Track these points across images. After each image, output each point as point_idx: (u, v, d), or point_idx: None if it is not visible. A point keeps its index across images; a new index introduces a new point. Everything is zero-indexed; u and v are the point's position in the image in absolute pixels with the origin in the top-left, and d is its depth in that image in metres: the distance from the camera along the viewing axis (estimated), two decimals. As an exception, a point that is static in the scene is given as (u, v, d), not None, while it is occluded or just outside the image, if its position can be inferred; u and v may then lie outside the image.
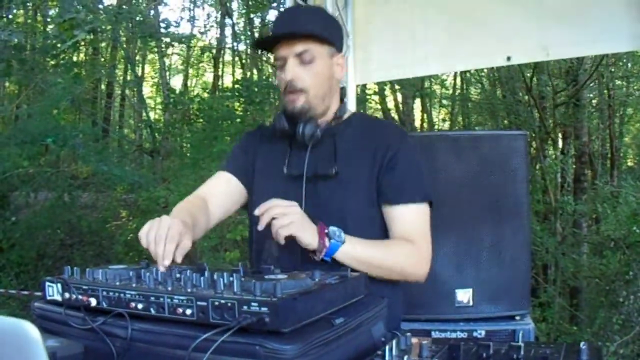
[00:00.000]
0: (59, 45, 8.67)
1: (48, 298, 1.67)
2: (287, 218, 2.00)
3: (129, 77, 17.68)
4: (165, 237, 1.83)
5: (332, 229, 2.08)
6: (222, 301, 1.38)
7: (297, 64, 2.29)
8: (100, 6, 9.55)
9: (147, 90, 18.78)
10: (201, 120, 12.00)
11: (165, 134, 13.91)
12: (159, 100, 18.19)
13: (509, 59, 4.17)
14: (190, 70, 19.83)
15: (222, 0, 15.13)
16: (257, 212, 2.00)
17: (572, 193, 10.68)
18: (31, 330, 0.87)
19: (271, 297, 1.36)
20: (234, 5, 15.81)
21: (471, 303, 3.55)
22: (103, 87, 17.69)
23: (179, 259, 1.83)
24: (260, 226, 1.99)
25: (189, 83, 19.88)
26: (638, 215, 8.02)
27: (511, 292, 3.57)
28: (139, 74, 17.03)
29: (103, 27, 9.24)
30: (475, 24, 4.21)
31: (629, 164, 16.21)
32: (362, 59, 4.60)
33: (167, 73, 17.18)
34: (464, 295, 3.56)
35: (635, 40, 3.80)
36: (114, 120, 18.80)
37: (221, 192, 2.51)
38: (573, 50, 4.18)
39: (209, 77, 19.55)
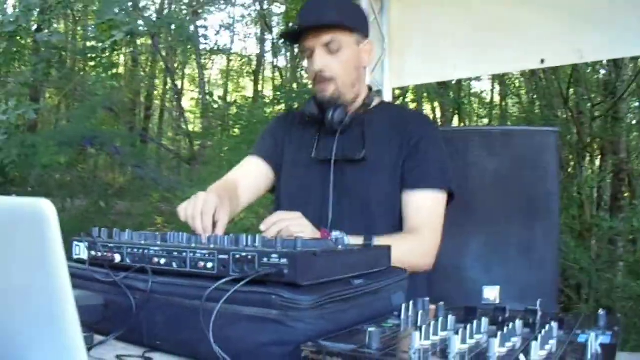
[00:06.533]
0: (97, 45, 8.78)
1: (75, 257, 1.71)
2: (299, 227, 1.98)
3: (167, 89, 17.86)
4: (201, 211, 1.89)
5: (335, 234, 1.97)
6: (243, 254, 1.38)
7: (324, 54, 2.34)
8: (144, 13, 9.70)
9: (186, 103, 18.94)
10: (239, 125, 12.03)
11: (203, 140, 13.98)
12: (197, 113, 18.33)
13: (542, 61, 4.17)
14: (230, 85, 19.98)
15: (261, 14, 15.28)
16: (262, 227, 1.95)
17: (609, 211, 10.53)
18: (47, 208, 0.86)
19: (291, 250, 1.38)
20: (274, 22, 15.96)
21: (498, 301, 3.53)
22: (142, 99, 17.89)
23: (220, 232, 1.87)
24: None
25: (228, 98, 20.01)
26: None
27: (539, 292, 3.53)
28: (179, 86, 17.17)
29: (141, 29, 9.33)
30: (508, 27, 4.23)
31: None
32: (397, 63, 4.63)
33: (207, 86, 17.29)
34: (491, 293, 3.53)
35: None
36: (152, 131, 18.96)
37: (250, 177, 2.57)
38: (607, 52, 4.16)
39: (248, 93, 19.64)
